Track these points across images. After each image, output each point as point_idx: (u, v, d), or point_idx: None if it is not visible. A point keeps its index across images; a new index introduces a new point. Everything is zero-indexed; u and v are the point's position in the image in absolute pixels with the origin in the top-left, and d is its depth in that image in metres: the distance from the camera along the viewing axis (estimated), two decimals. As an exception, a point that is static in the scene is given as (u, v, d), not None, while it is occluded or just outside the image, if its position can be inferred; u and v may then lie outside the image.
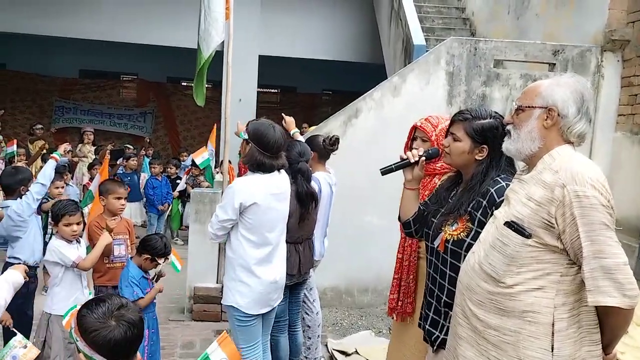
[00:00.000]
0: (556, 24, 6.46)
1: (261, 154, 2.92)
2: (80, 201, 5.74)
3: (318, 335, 4.00)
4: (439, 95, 5.41)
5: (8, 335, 3.45)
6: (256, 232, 2.97)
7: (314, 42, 11.27)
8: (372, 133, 5.29)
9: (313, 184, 3.72)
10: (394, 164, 2.42)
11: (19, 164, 6.78)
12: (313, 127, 7.31)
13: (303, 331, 4.02)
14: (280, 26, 11.09)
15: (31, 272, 3.66)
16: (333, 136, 3.83)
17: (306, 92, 15.20)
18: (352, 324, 5.10)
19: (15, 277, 2.38)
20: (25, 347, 3.04)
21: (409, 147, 2.76)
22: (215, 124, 6.82)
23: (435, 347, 2.27)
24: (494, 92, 5.48)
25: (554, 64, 5.52)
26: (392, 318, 2.90)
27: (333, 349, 4.43)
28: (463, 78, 5.42)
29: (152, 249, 3.37)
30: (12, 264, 3.58)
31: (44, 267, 3.51)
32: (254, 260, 2.98)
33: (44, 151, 7.91)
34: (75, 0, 10.15)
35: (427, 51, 6.18)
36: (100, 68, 13.85)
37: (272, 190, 2.99)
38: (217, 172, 8.04)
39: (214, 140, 6.70)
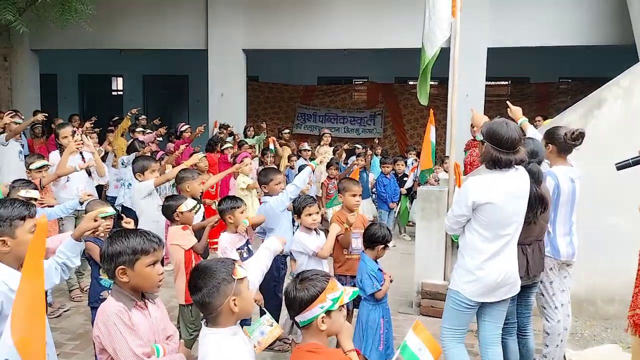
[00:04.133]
0: None
1: (496, 151, 2.96)
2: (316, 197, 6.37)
3: (557, 345, 3.75)
4: None
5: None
6: (489, 228, 3.00)
7: (548, 28, 10.38)
8: (619, 126, 4.75)
9: (550, 180, 3.53)
10: (631, 159, 2.22)
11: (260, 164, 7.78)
12: (548, 121, 6.83)
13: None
14: (511, 15, 10.49)
15: (282, 259, 4.26)
16: (577, 130, 3.57)
17: (540, 81, 14.16)
18: (595, 336, 4.66)
19: (274, 244, 2.77)
20: (271, 325, 3.51)
21: None
22: (432, 109, 6.86)
23: None
24: None
25: None
26: (635, 335, 2.56)
27: (571, 360, 4.12)
28: None
29: (381, 238, 3.68)
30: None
31: (291, 254, 4.04)
32: (485, 255, 3.02)
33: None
34: (313, 16, 11.19)
35: (692, 26, 5.28)
36: (335, 74, 15.11)
37: (508, 188, 3.00)
38: (439, 170, 8.06)
39: (433, 122, 6.74)
